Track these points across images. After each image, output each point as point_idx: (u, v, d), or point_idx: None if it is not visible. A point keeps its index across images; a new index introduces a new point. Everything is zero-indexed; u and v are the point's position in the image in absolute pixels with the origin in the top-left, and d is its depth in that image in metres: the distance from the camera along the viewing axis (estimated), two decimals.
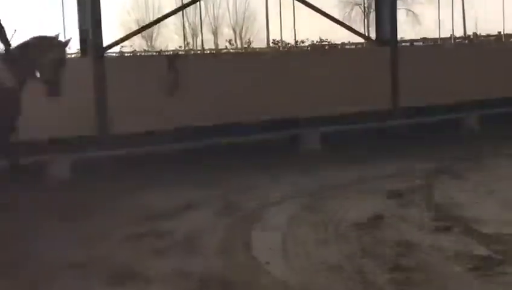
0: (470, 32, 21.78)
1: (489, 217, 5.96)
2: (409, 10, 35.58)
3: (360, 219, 6.17)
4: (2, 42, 7.55)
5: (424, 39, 21.06)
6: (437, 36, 14.74)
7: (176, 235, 5.86)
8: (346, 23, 13.06)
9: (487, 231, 5.57)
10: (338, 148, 9.82)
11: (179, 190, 7.64)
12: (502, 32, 16.27)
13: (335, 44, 17.49)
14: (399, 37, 12.97)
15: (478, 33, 21.22)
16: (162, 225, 6.20)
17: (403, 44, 19.54)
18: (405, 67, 11.34)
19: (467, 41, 19.82)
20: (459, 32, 19.12)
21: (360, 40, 13.56)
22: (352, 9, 36.05)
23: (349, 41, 17.94)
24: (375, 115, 10.98)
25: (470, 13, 22.40)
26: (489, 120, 11.48)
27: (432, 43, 18.22)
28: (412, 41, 22.23)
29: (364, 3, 18.02)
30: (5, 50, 7.64)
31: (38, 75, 7.56)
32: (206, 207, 6.88)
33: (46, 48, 7.54)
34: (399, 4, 13.72)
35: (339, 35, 14.86)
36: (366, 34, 13.05)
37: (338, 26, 11.96)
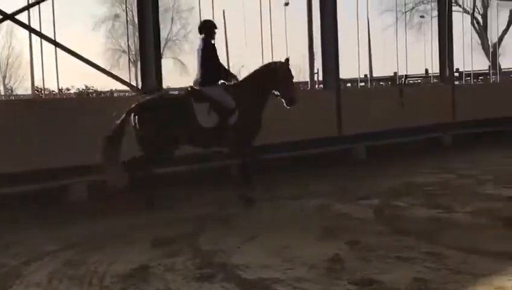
0: None
1: (251, 262, 6.14)
2: (177, 59, 36.43)
3: (126, 270, 6.07)
4: (232, 78, 9.48)
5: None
6: None
7: None
8: (113, 71, 12.95)
9: (249, 276, 5.73)
10: (102, 198, 9.50)
11: None
12: None
13: (101, 92, 17.31)
14: (165, 85, 13.12)
15: None
16: None
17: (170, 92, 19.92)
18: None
19: None
20: None
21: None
22: (120, 57, 36.11)
23: (115, 89, 17.87)
24: None
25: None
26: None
27: None
28: (180, 90, 22.74)
29: (129, 52, 18.08)
30: (247, 78, 9.48)
31: (276, 92, 9.41)
32: None
33: (281, 69, 9.32)
34: (167, 53, 14.01)
35: (109, 82, 14.77)
36: (134, 83, 12.95)
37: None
